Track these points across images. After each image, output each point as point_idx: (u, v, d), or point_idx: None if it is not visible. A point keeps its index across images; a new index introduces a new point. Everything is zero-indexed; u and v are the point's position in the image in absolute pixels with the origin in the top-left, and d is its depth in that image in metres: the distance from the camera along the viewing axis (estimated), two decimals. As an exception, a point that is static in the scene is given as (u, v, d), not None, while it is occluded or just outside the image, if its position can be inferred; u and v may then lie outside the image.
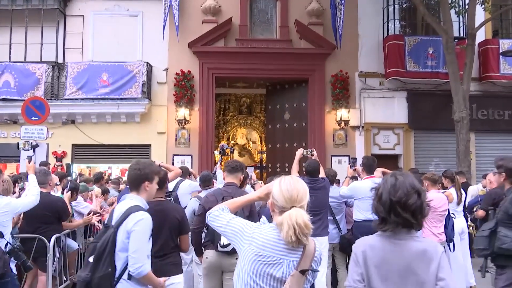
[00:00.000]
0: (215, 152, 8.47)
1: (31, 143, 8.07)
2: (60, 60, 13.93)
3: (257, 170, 17.47)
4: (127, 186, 7.10)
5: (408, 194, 2.29)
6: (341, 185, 7.88)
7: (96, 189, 8.24)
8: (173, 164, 12.47)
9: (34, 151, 8.07)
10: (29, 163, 5.52)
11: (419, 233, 2.44)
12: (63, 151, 13.63)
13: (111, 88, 13.32)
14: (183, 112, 13.59)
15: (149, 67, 13.74)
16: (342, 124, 13.99)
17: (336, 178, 7.89)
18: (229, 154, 8.90)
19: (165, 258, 4.05)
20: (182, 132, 13.82)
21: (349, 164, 8.41)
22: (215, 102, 14.86)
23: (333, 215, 6.80)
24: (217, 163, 8.06)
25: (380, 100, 14.30)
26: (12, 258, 4.64)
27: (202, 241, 4.91)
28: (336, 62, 14.23)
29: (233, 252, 4.49)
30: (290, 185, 2.44)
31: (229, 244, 4.52)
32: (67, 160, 13.51)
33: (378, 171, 6.53)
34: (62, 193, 6.93)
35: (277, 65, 13.95)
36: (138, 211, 3.29)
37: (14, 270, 4.96)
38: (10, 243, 4.66)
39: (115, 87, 13.32)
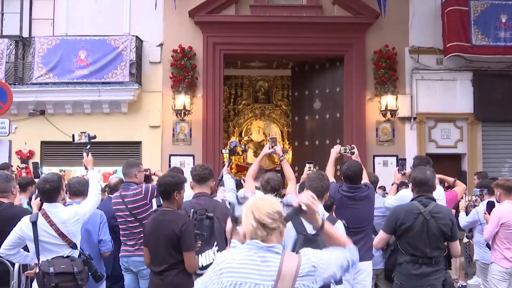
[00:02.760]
0: (223, 151, 8.46)
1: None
2: (25, 34, 14.02)
3: (278, 174, 17.44)
4: (109, 195, 7.36)
5: None
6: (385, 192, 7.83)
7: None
8: (169, 167, 12.47)
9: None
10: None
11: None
12: (29, 151, 13.75)
13: (91, 69, 13.38)
14: (182, 100, 13.60)
15: (139, 42, 13.77)
16: (388, 115, 13.88)
17: (378, 184, 7.87)
18: (241, 153, 8.90)
19: (165, 276, 4.24)
20: (182, 125, 13.84)
21: (397, 166, 8.35)
22: (223, 87, 14.85)
23: (376, 233, 6.77)
24: (225, 164, 8.08)
25: (438, 83, 14.17)
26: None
27: None
28: (380, 35, 14.14)
29: None
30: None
31: (210, 263, 4.82)
32: (35, 161, 13.61)
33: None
34: (29, 204, 6.96)
35: (302, 38, 13.90)
36: None
37: None
38: (83, 253, 5.43)
39: (96, 68, 13.37)
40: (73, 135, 6.72)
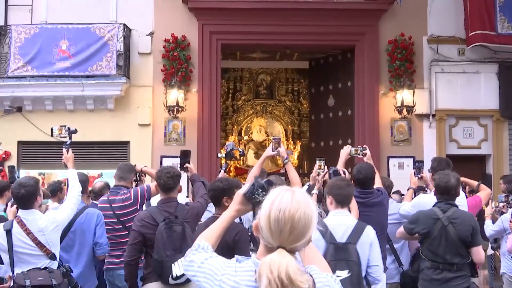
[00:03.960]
0: (219, 154, 8.51)
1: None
2: (0, 22, 14.03)
3: (282, 178, 17.47)
4: (93, 201, 7.43)
5: None
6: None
7: (53, 206, 8.27)
8: (160, 169, 12.51)
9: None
10: None
11: None
12: (5, 151, 13.76)
13: (73, 61, 13.37)
14: (175, 95, 13.60)
15: (127, 31, 13.77)
16: (404, 112, 13.86)
17: (393, 189, 7.89)
18: (238, 158, 8.94)
19: None
20: (174, 124, 13.84)
21: (413, 169, 8.34)
22: (221, 80, 14.85)
23: (391, 242, 6.82)
24: (221, 169, 8.12)
25: (459, 76, 14.16)
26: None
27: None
28: (396, 23, 14.13)
29: (187, 282, 5.09)
30: (285, 213, 2.42)
31: (183, 274, 5.03)
32: (11, 163, 13.62)
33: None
34: (5, 210, 6.96)
35: (309, 27, 13.90)
36: None
37: None
38: (62, 265, 5.48)
39: (79, 59, 13.36)
40: (51, 129, 6.74)
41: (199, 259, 2.77)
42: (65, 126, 6.75)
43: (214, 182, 5.27)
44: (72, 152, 6.55)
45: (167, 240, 5.41)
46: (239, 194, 2.93)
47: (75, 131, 6.79)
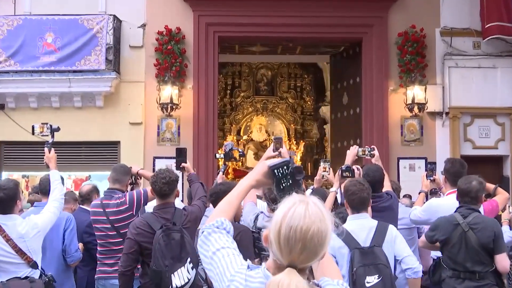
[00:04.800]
0: (216, 155, 8.49)
1: None
2: (-19, 13, 14.04)
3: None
4: (81, 206, 7.45)
5: None
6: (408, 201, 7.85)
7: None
8: (153, 171, 12.49)
9: None
10: None
11: None
12: (-14, 152, 13.78)
13: (59, 55, 13.37)
14: (169, 91, 13.60)
15: (117, 22, 13.77)
16: (415, 110, 13.87)
17: (403, 192, 7.90)
18: (238, 159, 8.93)
19: None
20: (168, 122, 13.84)
21: (425, 171, 8.34)
22: (218, 76, 14.86)
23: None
24: (219, 171, 8.11)
25: (475, 71, 14.16)
26: None
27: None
28: (406, 14, 14.12)
29: None
30: (296, 230, 2.40)
31: (187, 282, 5.15)
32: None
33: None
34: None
35: (313, 18, 13.89)
36: None
37: None
38: (44, 274, 5.48)
39: (66, 53, 13.35)
40: (32, 127, 6.73)
41: (214, 245, 2.75)
42: (47, 123, 6.73)
43: (216, 186, 5.31)
44: (58, 152, 6.55)
45: (165, 248, 5.38)
46: (265, 164, 2.92)
47: (58, 129, 6.77)
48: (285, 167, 2.83)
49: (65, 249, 6.48)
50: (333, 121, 16.38)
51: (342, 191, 6.30)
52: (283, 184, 2.80)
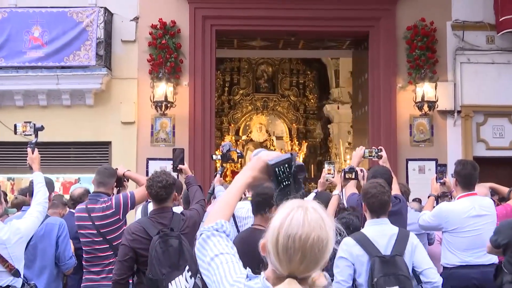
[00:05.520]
0: (213, 156, 8.50)
1: None
2: (-36, 6, 14.06)
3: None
4: (71, 210, 7.43)
5: None
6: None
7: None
8: (147, 174, 12.51)
9: None
10: None
11: None
12: (-30, 153, 13.80)
13: (47, 50, 13.37)
14: (163, 89, 13.61)
15: (108, 15, 13.78)
16: (425, 108, 13.88)
17: (412, 195, 7.91)
18: (236, 160, 8.92)
19: None
20: (162, 121, 13.86)
21: (435, 173, 8.35)
22: (216, 72, 14.89)
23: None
24: (216, 173, 8.12)
25: (488, 67, 14.17)
26: None
27: None
28: (415, 6, 14.12)
29: None
30: (295, 240, 2.39)
31: None
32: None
33: (483, 187, 6.49)
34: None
35: (316, 11, 13.91)
36: None
37: None
38: (27, 283, 5.48)
39: (53, 48, 13.36)
40: (15, 126, 6.74)
41: (212, 250, 2.70)
42: (30, 122, 6.74)
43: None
44: (46, 153, 6.58)
45: (162, 256, 5.35)
46: (263, 160, 2.84)
47: (42, 128, 6.77)
48: (286, 165, 2.81)
49: (59, 257, 6.48)
50: (355, 120, 16.36)
51: (345, 193, 6.31)
52: (284, 183, 2.78)
